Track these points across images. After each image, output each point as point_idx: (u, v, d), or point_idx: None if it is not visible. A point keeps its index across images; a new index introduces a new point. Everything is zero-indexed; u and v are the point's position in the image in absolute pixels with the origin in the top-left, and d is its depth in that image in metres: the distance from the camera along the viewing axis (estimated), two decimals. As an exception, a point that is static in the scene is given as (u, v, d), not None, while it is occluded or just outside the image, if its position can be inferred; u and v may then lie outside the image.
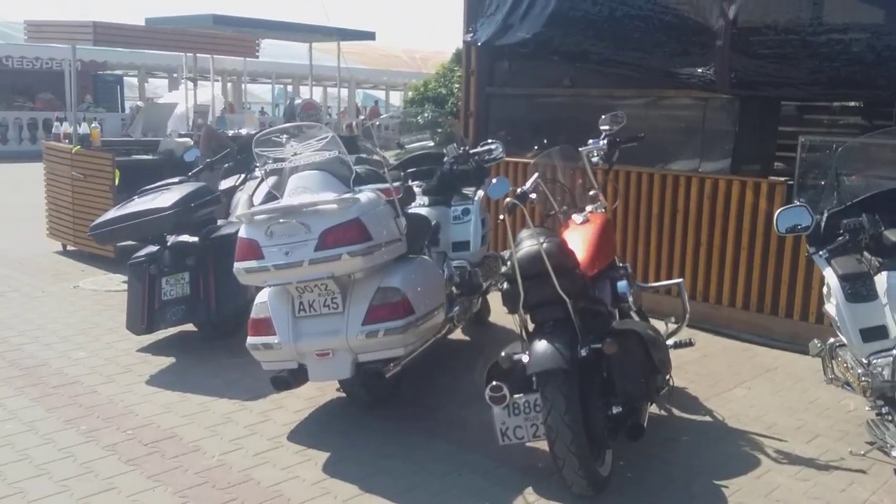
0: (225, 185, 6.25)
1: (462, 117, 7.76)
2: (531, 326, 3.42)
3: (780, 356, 5.13)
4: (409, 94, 24.01)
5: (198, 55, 10.49)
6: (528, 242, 3.35)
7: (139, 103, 21.25)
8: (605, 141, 4.30)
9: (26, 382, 4.39)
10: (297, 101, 8.71)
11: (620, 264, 4.20)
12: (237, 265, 3.77)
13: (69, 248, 7.92)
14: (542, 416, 3.12)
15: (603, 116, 4.37)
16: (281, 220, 3.67)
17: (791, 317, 5.29)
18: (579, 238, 3.79)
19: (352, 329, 3.66)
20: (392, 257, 3.85)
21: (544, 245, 3.27)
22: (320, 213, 3.67)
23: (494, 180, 3.80)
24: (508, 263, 3.41)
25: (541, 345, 3.20)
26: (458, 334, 5.18)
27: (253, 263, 3.71)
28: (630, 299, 3.94)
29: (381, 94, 38.21)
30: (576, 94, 6.84)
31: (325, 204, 3.68)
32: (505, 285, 3.42)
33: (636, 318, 4.03)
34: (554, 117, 6.95)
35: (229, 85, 30.45)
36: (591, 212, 4.14)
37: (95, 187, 7.48)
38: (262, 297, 3.88)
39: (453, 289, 4.68)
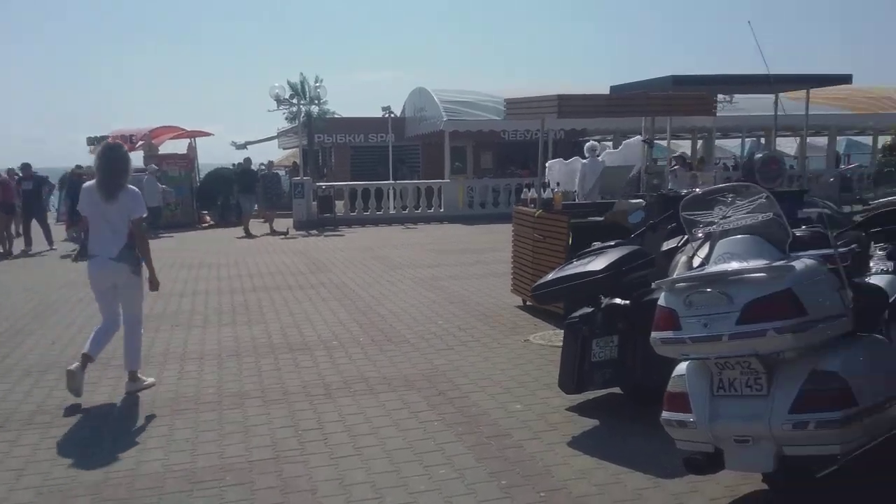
0: (667, 246, 6.13)
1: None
2: None
3: None
4: (887, 140, 20.83)
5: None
6: None
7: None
8: None
9: (466, 430, 4.78)
10: (758, 156, 8.21)
11: None
12: (653, 334, 3.60)
13: (528, 303, 8.57)
14: None
15: None
16: (701, 289, 3.40)
17: None
18: None
19: (776, 417, 3.19)
20: (833, 335, 3.28)
21: None
22: (745, 283, 3.31)
23: None
24: None
25: None
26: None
27: (669, 334, 3.49)
28: None
29: (867, 141, 34.15)
30: None
31: (752, 272, 3.31)
32: None
33: None
34: None
35: (700, 141, 30.37)
36: None
37: (552, 248, 7.99)
38: (681, 369, 3.63)
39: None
